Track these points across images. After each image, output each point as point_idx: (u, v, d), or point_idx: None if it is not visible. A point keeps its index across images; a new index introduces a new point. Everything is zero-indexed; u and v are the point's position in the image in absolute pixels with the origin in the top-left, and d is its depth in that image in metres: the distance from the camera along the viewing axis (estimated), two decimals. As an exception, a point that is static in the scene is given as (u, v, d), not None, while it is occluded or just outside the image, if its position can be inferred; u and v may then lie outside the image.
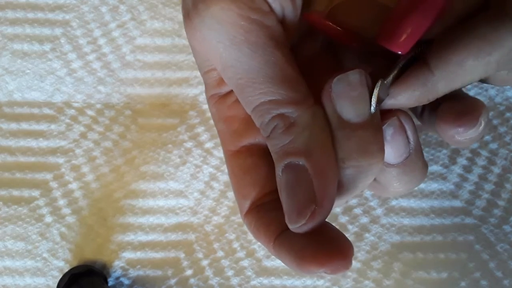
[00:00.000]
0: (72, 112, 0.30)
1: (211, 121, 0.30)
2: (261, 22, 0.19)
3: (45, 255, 0.29)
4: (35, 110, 0.31)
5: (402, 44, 0.18)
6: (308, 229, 0.18)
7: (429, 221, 0.30)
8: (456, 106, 0.20)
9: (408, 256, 0.29)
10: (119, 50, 0.31)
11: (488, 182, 0.30)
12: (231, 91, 0.21)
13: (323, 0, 0.20)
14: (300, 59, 0.21)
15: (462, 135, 0.19)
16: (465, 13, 0.19)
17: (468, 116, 0.19)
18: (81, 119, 0.30)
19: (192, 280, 0.29)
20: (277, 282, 0.29)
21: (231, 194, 0.30)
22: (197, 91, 0.31)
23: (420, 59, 0.19)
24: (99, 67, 0.31)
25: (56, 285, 0.28)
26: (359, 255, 0.29)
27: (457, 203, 0.30)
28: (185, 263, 0.29)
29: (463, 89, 0.21)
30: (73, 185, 0.30)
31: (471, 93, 0.31)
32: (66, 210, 0.30)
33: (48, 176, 0.30)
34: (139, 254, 0.29)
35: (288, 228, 0.19)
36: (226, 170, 0.30)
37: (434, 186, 0.30)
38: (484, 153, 0.30)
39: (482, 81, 0.20)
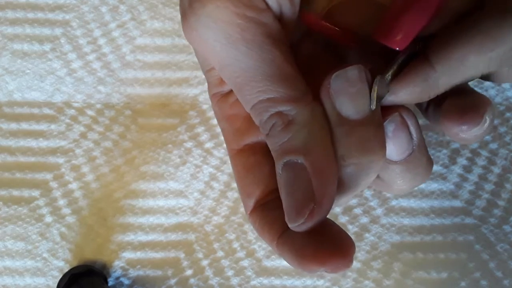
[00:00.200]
0: (72, 112, 0.30)
1: (211, 121, 0.30)
2: (258, 20, 0.18)
3: (45, 255, 0.29)
4: (35, 110, 0.31)
5: (399, 41, 0.18)
6: (307, 228, 0.18)
7: (429, 221, 0.30)
8: (460, 103, 0.19)
9: (408, 256, 0.29)
10: (119, 50, 0.31)
11: (488, 182, 0.30)
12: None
13: (322, 0, 0.20)
14: (302, 58, 0.21)
15: (466, 133, 0.19)
16: (462, 10, 0.19)
17: (472, 114, 0.19)
18: (81, 119, 0.30)
19: (192, 280, 0.29)
20: (277, 282, 0.29)
21: (231, 194, 0.30)
22: (197, 91, 0.31)
23: (420, 55, 0.19)
24: (99, 67, 0.31)
25: (56, 285, 0.28)
26: (359, 255, 0.29)
27: (457, 203, 0.30)
28: (185, 263, 0.29)
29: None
30: (73, 185, 0.30)
31: (471, 93, 0.31)
32: (66, 210, 0.30)
33: (48, 176, 0.30)
34: (139, 254, 0.29)
35: None
36: (226, 170, 0.30)
37: (434, 186, 0.30)
38: (484, 153, 0.30)
39: (484, 78, 0.20)
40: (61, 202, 0.30)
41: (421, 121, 0.30)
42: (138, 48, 0.31)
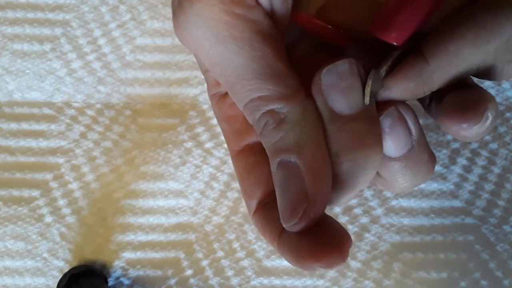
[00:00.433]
0: (72, 112, 0.30)
1: (211, 121, 0.30)
2: (247, 17, 0.18)
3: (45, 255, 0.29)
4: (35, 110, 0.31)
5: (397, 35, 0.18)
6: (301, 228, 0.18)
7: (429, 221, 0.30)
8: (460, 99, 0.18)
9: (408, 256, 0.29)
10: (119, 50, 0.31)
11: (488, 182, 0.30)
12: None
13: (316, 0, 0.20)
14: (299, 57, 0.21)
15: (467, 131, 0.18)
16: (460, 5, 0.18)
17: (472, 111, 0.18)
18: (81, 119, 0.30)
19: (192, 280, 0.29)
20: (277, 282, 0.29)
21: (231, 194, 0.30)
22: (197, 91, 0.31)
23: (415, 50, 0.18)
24: (99, 67, 0.31)
25: (56, 285, 0.28)
26: (359, 255, 0.29)
27: (457, 203, 0.30)
28: (185, 263, 0.29)
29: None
30: (73, 185, 0.30)
31: (471, 93, 0.31)
32: (66, 210, 0.30)
33: (48, 176, 0.30)
34: (139, 254, 0.29)
35: None
36: (226, 170, 0.30)
37: (434, 186, 0.30)
38: (484, 153, 0.30)
39: (481, 76, 0.19)
40: (61, 202, 0.30)
41: (421, 120, 0.30)
42: (138, 48, 0.31)
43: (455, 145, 0.30)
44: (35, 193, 0.30)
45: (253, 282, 0.29)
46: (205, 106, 0.30)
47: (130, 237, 0.29)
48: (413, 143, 0.19)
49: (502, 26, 0.17)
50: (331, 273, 0.29)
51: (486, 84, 0.31)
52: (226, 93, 0.22)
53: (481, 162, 0.30)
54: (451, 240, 0.29)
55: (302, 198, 0.18)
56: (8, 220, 0.29)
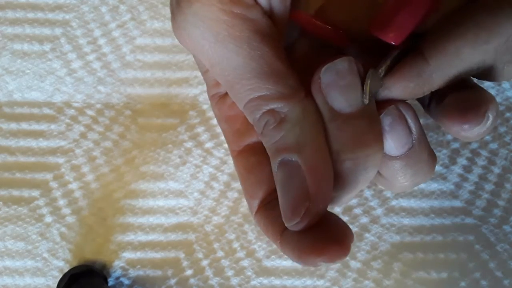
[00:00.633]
0: (72, 112, 0.30)
1: (211, 121, 0.30)
2: (245, 16, 0.18)
3: (45, 255, 0.29)
4: (35, 110, 0.31)
5: (395, 35, 0.18)
6: (304, 227, 0.18)
7: (429, 221, 0.30)
8: (461, 99, 0.18)
9: (408, 256, 0.29)
10: (119, 50, 0.31)
11: (488, 182, 0.30)
12: None
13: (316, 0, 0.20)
14: (298, 57, 0.21)
15: (468, 132, 0.18)
16: (459, 5, 0.18)
17: (473, 112, 0.18)
18: (81, 119, 0.30)
19: (192, 280, 0.29)
20: (277, 282, 0.29)
21: (231, 194, 0.30)
22: (197, 91, 0.31)
23: (414, 50, 0.18)
24: (99, 67, 0.31)
25: (56, 285, 0.28)
26: (359, 255, 0.29)
27: (457, 203, 0.30)
28: (185, 263, 0.29)
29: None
30: (73, 185, 0.30)
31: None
32: (66, 210, 0.30)
33: (48, 176, 0.30)
34: (139, 254, 0.29)
35: None
36: (226, 170, 0.30)
37: (434, 186, 0.30)
38: (484, 153, 0.30)
39: (481, 77, 0.19)
40: (61, 202, 0.30)
41: (421, 120, 0.30)
42: (138, 48, 0.31)
43: (455, 145, 0.30)
44: (35, 193, 0.30)
45: (253, 282, 0.29)
46: (205, 106, 0.30)
47: (130, 237, 0.29)
48: (414, 141, 0.19)
49: (501, 26, 0.17)
50: (331, 273, 0.29)
51: (486, 84, 0.31)
52: (226, 94, 0.22)
53: (481, 162, 0.30)
54: (451, 240, 0.29)
55: (303, 197, 0.18)
56: (8, 220, 0.29)
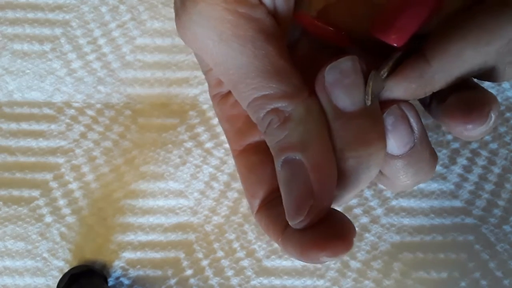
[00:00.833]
0: (72, 112, 0.30)
1: (211, 121, 0.30)
2: (249, 15, 0.18)
3: (45, 255, 0.29)
4: (35, 110, 0.31)
5: (397, 37, 0.18)
6: (307, 225, 0.18)
7: (429, 221, 0.30)
8: (464, 100, 0.18)
9: (408, 256, 0.29)
10: (119, 50, 0.31)
11: (488, 182, 0.30)
12: None
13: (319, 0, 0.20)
14: (300, 56, 0.21)
15: (471, 132, 0.18)
16: (462, 6, 0.18)
17: (477, 112, 0.18)
18: (81, 119, 0.30)
19: (192, 280, 0.29)
20: (277, 282, 0.29)
21: (231, 194, 0.30)
22: (197, 91, 0.31)
23: (417, 51, 0.18)
24: (99, 67, 0.31)
25: (56, 285, 0.28)
26: (359, 255, 0.29)
27: (457, 203, 0.30)
28: (185, 263, 0.29)
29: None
30: (73, 185, 0.30)
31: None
32: (66, 210, 0.30)
33: (48, 176, 0.30)
34: (139, 254, 0.29)
35: None
36: (226, 170, 0.30)
37: (434, 186, 0.30)
38: (484, 153, 0.30)
39: (482, 78, 0.19)
40: (61, 202, 0.30)
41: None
42: (138, 48, 0.31)
43: (455, 145, 0.30)
44: (35, 193, 0.30)
45: (253, 282, 0.29)
46: (205, 106, 0.30)
47: (130, 237, 0.29)
48: (415, 141, 0.19)
49: (503, 28, 0.17)
50: (331, 273, 0.29)
51: (486, 84, 0.31)
52: (228, 93, 0.22)
53: (481, 162, 0.30)
54: (451, 240, 0.29)
55: (307, 195, 0.18)
56: (8, 220, 0.29)
